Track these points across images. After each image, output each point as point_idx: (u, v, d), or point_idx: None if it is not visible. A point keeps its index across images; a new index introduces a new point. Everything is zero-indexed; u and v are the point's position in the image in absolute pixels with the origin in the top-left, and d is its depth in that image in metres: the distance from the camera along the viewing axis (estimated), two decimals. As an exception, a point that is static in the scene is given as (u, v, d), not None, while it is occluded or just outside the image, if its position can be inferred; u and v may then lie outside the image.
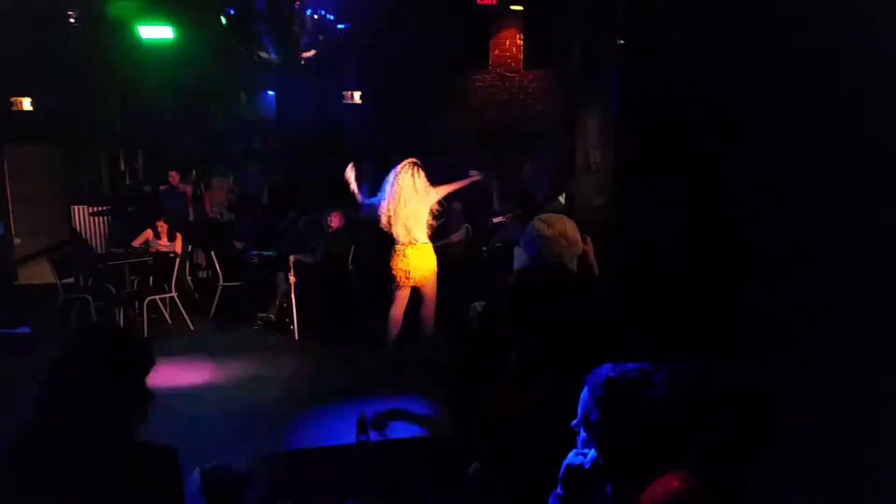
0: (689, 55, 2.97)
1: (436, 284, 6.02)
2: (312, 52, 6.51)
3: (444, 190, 5.98)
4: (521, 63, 8.92)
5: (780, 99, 2.64)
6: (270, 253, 7.66)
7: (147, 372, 2.03)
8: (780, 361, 2.68)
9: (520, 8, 8.54)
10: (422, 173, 5.87)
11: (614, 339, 3.05)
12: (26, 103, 9.12)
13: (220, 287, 7.84)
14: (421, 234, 5.89)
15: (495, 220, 7.82)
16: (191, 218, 9.02)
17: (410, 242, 5.83)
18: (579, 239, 2.99)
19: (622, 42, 3.16)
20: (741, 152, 2.81)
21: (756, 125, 2.73)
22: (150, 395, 2.01)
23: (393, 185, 5.85)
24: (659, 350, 3.12)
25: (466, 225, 8.00)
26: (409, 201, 5.79)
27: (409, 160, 5.91)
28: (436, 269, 5.99)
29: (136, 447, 1.95)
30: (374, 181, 8.21)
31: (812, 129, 2.54)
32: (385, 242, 8.20)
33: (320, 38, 5.52)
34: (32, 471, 1.88)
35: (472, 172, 6.09)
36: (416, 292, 6.04)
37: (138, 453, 1.94)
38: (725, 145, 2.87)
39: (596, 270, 3.24)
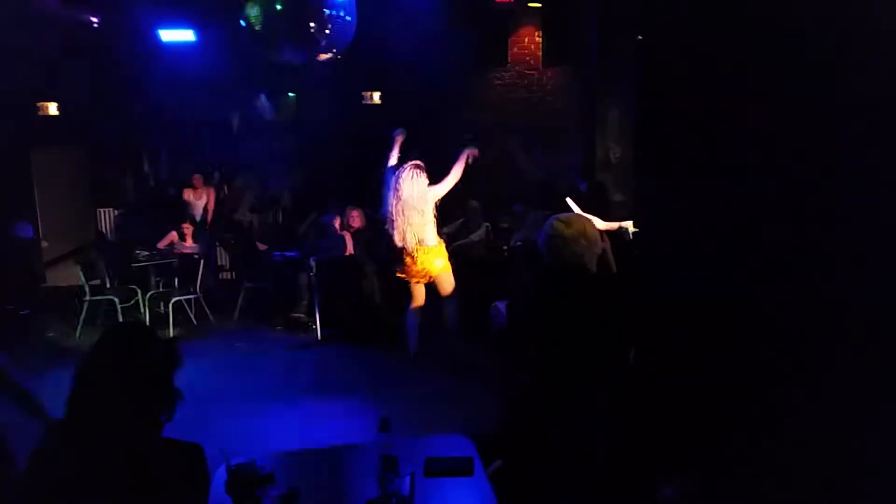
0: (709, 50, 2.95)
1: (452, 279, 6.00)
2: (331, 53, 6.55)
3: (444, 186, 5.95)
4: (540, 60, 8.91)
5: (804, 96, 2.61)
6: (293, 253, 7.71)
7: (175, 370, 2.07)
8: (794, 359, 2.66)
9: (538, 5, 8.53)
10: (423, 175, 5.87)
11: (629, 337, 3.06)
12: (52, 108, 9.28)
13: (243, 288, 7.92)
14: (430, 236, 5.90)
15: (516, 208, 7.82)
16: (210, 219, 9.11)
17: (420, 244, 5.83)
18: (599, 238, 3.00)
19: (640, 38, 3.16)
20: (762, 149, 2.79)
21: (778, 122, 2.71)
22: (177, 393, 2.05)
23: (396, 191, 5.85)
24: (673, 346, 3.13)
25: (486, 224, 8.01)
26: (415, 207, 5.80)
27: (412, 163, 5.94)
28: (448, 264, 6.00)
29: (163, 444, 2.00)
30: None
31: (837, 130, 2.51)
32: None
33: (339, 38, 5.52)
34: (61, 465, 1.92)
35: (466, 150, 5.97)
36: (434, 293, 6.05)
37: (166, 450, 1.99)
38: (746, 142, 2.85)
39: (614, 268, 3.24)
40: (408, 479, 2.48)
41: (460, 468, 2.64)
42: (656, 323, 3.08)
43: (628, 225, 4.11)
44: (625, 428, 2.93)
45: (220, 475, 2.53)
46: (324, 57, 5.68)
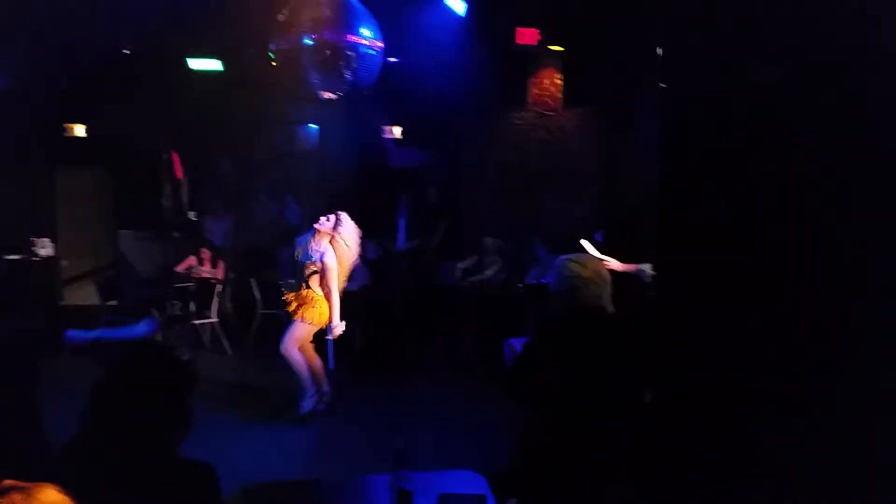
0: (732, 98, 3.01)
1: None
2: (354, 87, 6.68)
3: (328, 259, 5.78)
4: (560, 102, 9.01)
5: (830, 144, 2.66)
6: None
7: (190, 391, 2.10)
8: (818, 399, 2.67)
9: (560, 48, 8.66)
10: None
11: (647, 378, 3.07)
12: (79, 129, 9.47)
13: (259, 314, 7.97)
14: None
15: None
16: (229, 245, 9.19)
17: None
18: (610, 278, 3.00)
19: (664, 86, 3.22)
20: (785, 194, 2.82)
21: (802, 171, 2.75)
22: (190, 414, 2.08)
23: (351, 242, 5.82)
24: (691, 387, 3.13)
25: (501, 260, 8.06)
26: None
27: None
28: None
29: (176, 463, 2.02)
30: (409, 215, 8.38)
31: (860, 172, 2.55)
32: (420, 273, 8.33)
33: (366, 74, 5.63)
34: (74, 482, 1.94)
35: None
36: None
37: (178, 469, 2.01)
38: (769, 187, 2.89)
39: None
40: (423, 513, 2.49)
41: None
42: (674, 364, 3.09)
43: (646, 267, 4.14)
44: (643, 467, 2.92)
45: (234, 500, 2.56)
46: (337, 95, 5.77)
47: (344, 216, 5.74)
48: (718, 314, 3.00)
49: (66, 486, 1.90)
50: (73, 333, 3.15)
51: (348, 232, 5.70)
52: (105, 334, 3.41)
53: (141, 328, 3.56)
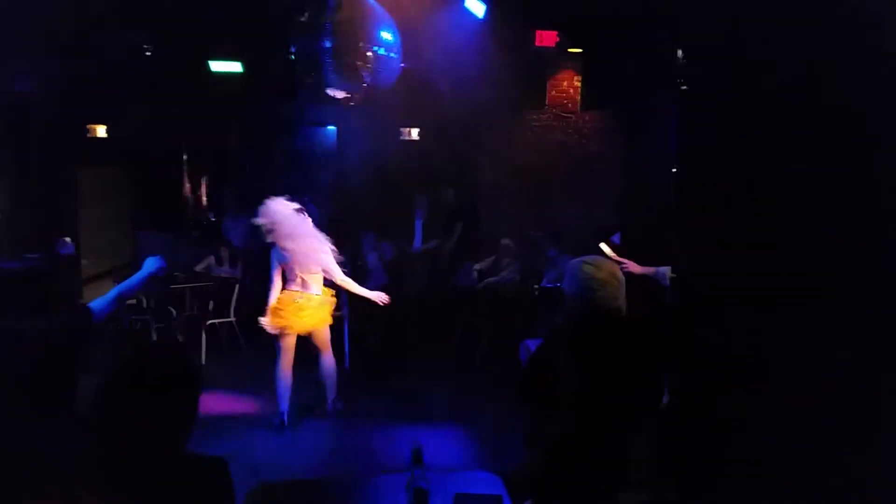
0: (752, 100, 2.99)
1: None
2: (373, 89, 6.70)
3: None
4: (578, 104, 9.00)
5: (852, 145, 2.64)
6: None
7: (198, 391, 2.11)
8: (835, 406, 2.65)
9: (578, 50, 8.64)
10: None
11: (663, 381, 3.06)
12: (101, 130, 9.58)
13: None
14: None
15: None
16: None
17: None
18: (624, 280, 2.98)
19: (684, 87, 3.21)
20: (804, 202, 2.80)
21: (823, 172, 2.73)
22: (197, 409, 2.08)
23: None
24: (708, 390, 3.12)
25: (517, 261, 8.04)
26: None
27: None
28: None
29: (187, 458, 2.04)
30: (426, 216, 8.38)
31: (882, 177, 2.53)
32: (436, 274, 8.33)
33: (384, 76, 5.66)
34: (85, 475, 1.96)
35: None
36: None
37: (190, 464, 2.03)
38: (789, 189, 2.87)
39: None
40: (439, 512, 2.50)
41: None
42: (690, 367, 3.07)
43: (665, 270, 4.12)
44: (658, 470, 2.92)
45: (252, 497, 2.58)
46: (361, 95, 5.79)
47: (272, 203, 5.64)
48: (739, 317, 2.98)
49: (78, 483, 1.92)
50: (96, 304, 3.17)
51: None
52: (123, 287, 3.41)
53: (150, 265, 3.59)
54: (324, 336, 5.66)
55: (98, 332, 3.27)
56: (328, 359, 5.74)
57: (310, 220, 5.64)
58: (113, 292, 3.32)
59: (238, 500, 2.13)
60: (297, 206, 5.60)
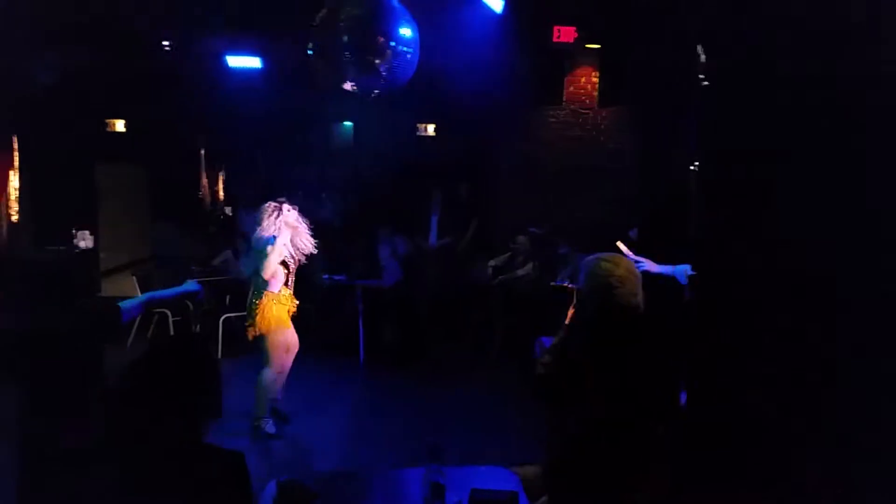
0: (775, 95, 2.96)
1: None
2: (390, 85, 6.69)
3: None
4: (596, 100, 8.96)
5: (879, 147, 2.60)
6: (341, 277, 7.82)
7: (218, 385, 2.12)
8: (857, 402, 2.62)
9: (597, 46, 8.60)
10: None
11: (682, 380, 3.04)
12: (119, 125, 9.66)
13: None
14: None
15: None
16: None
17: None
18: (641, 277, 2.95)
19: (706, 83, 3.18)
20: (828, 199, 2.77)
21: (845, 171, 2.70)
22: (220, 408, 2.10)
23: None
24: (728, 389, 3.10)
25: (534, 262, 8.02)
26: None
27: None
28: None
29: (205, 450, 2.05)
30: (442, 212, 8.39)
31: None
32: (451, 270, 8.33)
33: (401, 72, 5.65)
34: (105, 468, 1.97)
35: None
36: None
37: (208, 455, 2.04)
38: (810, 186, 2.84)
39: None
40: (455, 507, 2.49)
41: (505, 501, 2.65)
42: (710, 365, 3.05)
43: (685, 268, 4.07)
44: (677, 469, 2.89)
45: (269, 490, 2.59)
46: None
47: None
48: (760, 316, 2.95)
49: (99, 474, 1.93)
50: (126, 304, 3.20)
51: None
52: (154, 295, 3.46)
53: (190, 286, 3.68)
54: None
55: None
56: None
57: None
58: (143, 297, 3.38)
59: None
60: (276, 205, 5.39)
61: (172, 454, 1.97)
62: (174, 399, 2.01)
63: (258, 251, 5.25)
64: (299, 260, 5.47)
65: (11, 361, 2.98)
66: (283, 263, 5.33)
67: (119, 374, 2.03)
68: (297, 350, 5.49)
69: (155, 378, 2.03)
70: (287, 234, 5.29)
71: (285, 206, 5.37)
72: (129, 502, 1.92)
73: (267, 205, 5.35)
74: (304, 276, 8.31)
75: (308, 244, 5.50)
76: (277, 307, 5.29)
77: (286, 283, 5.40)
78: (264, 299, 5.24)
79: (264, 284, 5.26)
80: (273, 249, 5.17)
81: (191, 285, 3.68)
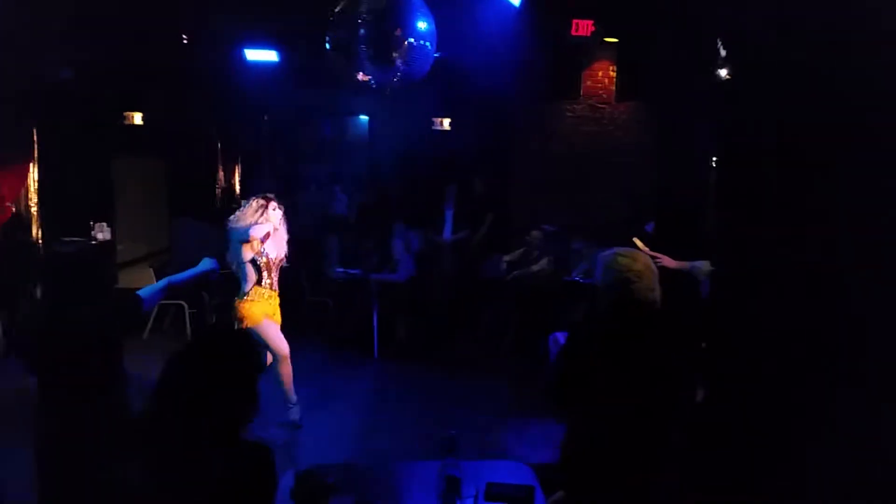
0: (797, 91, 2.93)
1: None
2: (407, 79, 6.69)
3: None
4: (613, 95, 8.91)
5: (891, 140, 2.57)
6: (356, 271, 7.84)
7: (258, 376, 2.14)
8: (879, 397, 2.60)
9: (614, 40, 8.55)
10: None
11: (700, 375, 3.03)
12: (137, 118, 9.71)
13: (306, 301, 8.09)
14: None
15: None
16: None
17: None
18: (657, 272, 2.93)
19: (728, 77, 3.15)
20: (849, 196, 2.74)
21: (865, 168, 2.67)
22: (258, 398, 2.10)
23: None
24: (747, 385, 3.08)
25: (548, 257, 7.99)
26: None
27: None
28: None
29: (238, 443, 2.06)
30: (457, 207, 8.38)
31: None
32: (466, 265, 8.33)
33: (418, 66, 5.63)
34: (143, 455, 1.99)
35: None
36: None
37: (241, 449, 2.05)
38: (830, 181, 2.81)
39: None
40: (471, 500, 2.49)
41: (521, 496, 2.65)
42: (729, 362, 3.03)
43: (702, 264, 4.04)
44: (694, 465, 2.89)
45: (286, 480, 2.60)
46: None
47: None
48: (778, 313, 2.93)
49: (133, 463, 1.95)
50: (145, 292, 3.22)
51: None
52: (173, 279, 3.46)
53: (205, 265, 3.68)
54: None
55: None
56: None
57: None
58: (162, 283, 3.38)
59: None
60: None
61: (209, 444, 1.98)
62: (219, 390, 2.01)
63: (232, 242, 5.07)
64: (281, 260, 5.30)
65: (34, 352, 3.01)
66: (254, 261, 5.10)
67: (166, 363, 2.03)
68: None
69: (204, 370, 2.03)
70: (264, 229, 5.03)
71: (272, 204, 5.20)
72: (152, 492, 1.93)
73: (255, 198, 5.19)
74: (319, 271, 8.39)
75: (281, 250, 5.27)
76: (258, 304, 5.11)
77: (258, 283, 5.14)
78: (244, 297, 5.09)
79: (243, 280, 5.10)
80: (247, 244, 5.00)
81: (206, 263, 3.69)
